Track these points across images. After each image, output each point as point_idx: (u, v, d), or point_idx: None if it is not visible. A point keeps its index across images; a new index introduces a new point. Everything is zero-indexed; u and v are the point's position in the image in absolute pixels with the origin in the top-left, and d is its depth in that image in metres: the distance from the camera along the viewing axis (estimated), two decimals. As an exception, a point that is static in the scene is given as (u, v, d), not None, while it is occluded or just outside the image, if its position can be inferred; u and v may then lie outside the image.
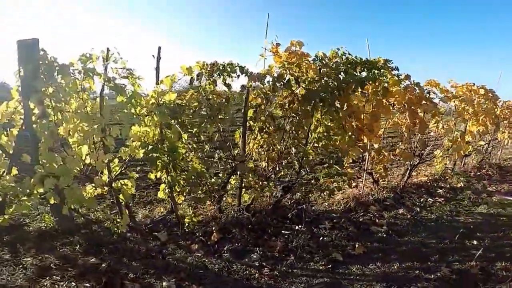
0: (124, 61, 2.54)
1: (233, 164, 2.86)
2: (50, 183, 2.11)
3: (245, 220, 3.19)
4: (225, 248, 2.74)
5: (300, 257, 2.69)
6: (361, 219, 3.50)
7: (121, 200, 2.57)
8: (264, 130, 2.71)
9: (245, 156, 2.86)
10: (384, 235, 3.19)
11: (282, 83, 2.52)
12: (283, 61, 2.59)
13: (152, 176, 2.88)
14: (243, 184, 3.22)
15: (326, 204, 3.82)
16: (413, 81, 3.30)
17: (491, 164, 5.79)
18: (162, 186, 3.02)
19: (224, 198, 3.39)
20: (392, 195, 4.13)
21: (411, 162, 4.21)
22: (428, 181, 4.80)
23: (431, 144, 4.77)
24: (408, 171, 4.31)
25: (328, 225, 3.28)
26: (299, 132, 2.73)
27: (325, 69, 2.61)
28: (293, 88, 2.53)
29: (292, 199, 3.60)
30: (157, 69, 2.57)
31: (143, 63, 2.97)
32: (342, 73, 2.65)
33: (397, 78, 3.11)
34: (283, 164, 3.00)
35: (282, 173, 3.23)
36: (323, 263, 2.62)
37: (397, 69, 3.00)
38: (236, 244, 2.82)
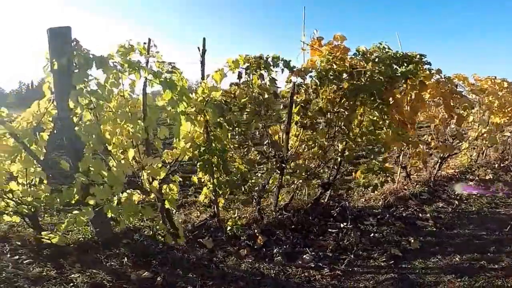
0: (160, 55, 2.41)
1: (277, 163, 2.75)
2: (105, 193, 1.96)
3: (286, 221, 3.07)
4: (274, 251, 2.61)
5: (357, 255, 2.57)
6: (404, 214, 3.40)
7: (166, 207, 2.40)
8: (309, 126, 2.60)
9: (287, 153, 2.75)
10: (434, 229, 3.10)
11: (329, 77, 2.43)
12: (326, 55, 2.52)
13: (195, 179, 2.74)
14: (282, 183, 3.10)
15: (363, 200, 3.72)
16: (444, 75, 3.30)
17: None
18: (205, 189, 2.87)
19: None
20: (426, 188, 4.06)
21: (441, 155, 4.16)
22: (456, 174, 4.76)
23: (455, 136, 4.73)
24: (438, 164, 4.26)
25: (373, 221, 3.17)
26: (345, 127, 2.64)
27: (370, 64, 2.55)
28: (341, 83, 2.45)
29: (330, 196, 3.49)
30: (202, 63, 2.45)
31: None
32: (387, 67, 2.60)
33: (429, 72, 3.09)
34: (326, 160, 2.89)
35: (322, 170, 3.12)
36: (384, 259, 2.50)
37: (429, 63, 3.00)
38: (284, 246, 2.69)
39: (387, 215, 3.29)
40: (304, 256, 2.56)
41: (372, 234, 2.92)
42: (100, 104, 2.14)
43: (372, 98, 2.51)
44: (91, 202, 1.97)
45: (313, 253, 2.60)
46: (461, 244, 2.81)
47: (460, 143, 4.21)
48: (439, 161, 4.24)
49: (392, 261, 2.47)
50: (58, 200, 2.23)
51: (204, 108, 2.28)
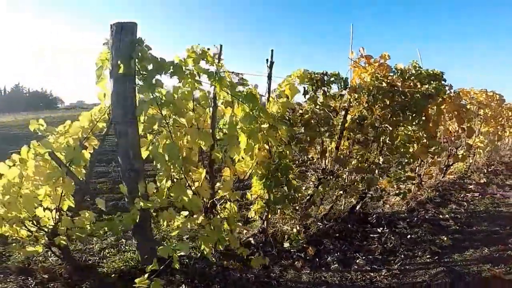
0: (222, 63, 2.26)
1: (327, 176, 3.07)
2: (189, 220, 1.98)
3: (329, 230, 3.34)
4: (328, 260, 2.81)
5: (404, 255, 2.91)
6: (426, 216, 3.83)
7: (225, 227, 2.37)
8: (363, 141, 2.93)
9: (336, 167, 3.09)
10: (456, 228, 3.54)
11: (381, 94, 2.79)
12: (374, 73, 2.90)
13: (249, 195, 2.94)
14: (325, 195, 3.41)
15: (388, 206, 4.11)
16: (454, 90, 3.87)
17: (498, 161, 6.62)
18: (256, 205, 3.06)
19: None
20: (437, 193, 4.56)
21: (446, 163, 4.71)
22: (455, 179, 5.36)
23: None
24: (444, 171, 4.81)
25: (404, 224, 3.55)
26: (390, 141, 3.00)
27: (409, 81, 2.98)
28: (387, 100, 2.84)
29: (363, 205, 3.84)
30: (270, 76, 2.53)
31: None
32: (426, 85, 3.04)
33: (443, 88, 3.62)
34: (368, 171, 3.25)
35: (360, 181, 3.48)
36: (428, 256, 2.86)
37: (444, 80, 3.51)
38: (336, 254, 2.92)
39: (415, 218, 3.70)
40: (357, 261, 2.83)
41: (408, 236, 3.28)
42: (175, 118, 2.00)
43: (414, 115, 2.92)
44: (174, 233, 2.01)
45: (364, 257, 2.89)
46: (483, 239, 3.26)
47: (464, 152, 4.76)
48: (445, 168, 4.79)
49: (436, 257, 2.84)
50: (105, 229, 2.06)
51: (277, 124, 2.33)
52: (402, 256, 2.87)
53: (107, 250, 2.68)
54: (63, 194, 2.03)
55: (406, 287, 2.40)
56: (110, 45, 1.94)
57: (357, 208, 3.82)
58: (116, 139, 2.06)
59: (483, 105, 4.75)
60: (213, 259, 2.44)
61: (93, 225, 2.05)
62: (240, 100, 2.10)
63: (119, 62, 1.86)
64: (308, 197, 3.29)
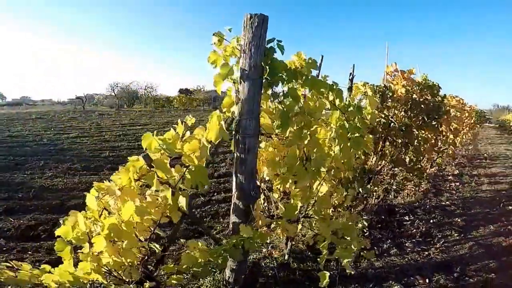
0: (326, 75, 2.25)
1: (369, 176, 3.62)
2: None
3: (372, 222, 3.92)
4: (384, 247, 3.31)
5: (438, 235, 3.61)
6: (433, 204, 4.67)
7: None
8: (401, 144, 3.55)
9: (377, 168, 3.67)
10: (461, 211, 4.43)
11: (413, 104, 3.46)
12: (404, 85, 3.54)
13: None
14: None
15: (399, 197, 4.86)
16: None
17: (461, 154, 8.07)
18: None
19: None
20: (429, 184, 5.51)
21: (435, 158, 5.71)
22: (436, 171, 6.46)
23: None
24: (431, 165, 5.80)
25: (421, 212, 4.31)
26: (418, 143, 3.69)
27: (423, 92, 3.71)
28: (418, 109, 3.52)
29: (384, 198, 4.51)
30: (350, 88, 2.99)
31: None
32: (433, 96, 3.81)
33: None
34: (397, 170, 3.91)
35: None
36: (456, 234, 3.63)
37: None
38: (388, 242, 3.46)
39: (427, 206, 4.50)
40: (407, 244, 3.45)
41: (431, 221, 4.03)
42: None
43: (431, 120, 3.65)
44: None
45: (409, 241, 3.51)
46: (485, 218, 4.18)
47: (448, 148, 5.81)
48: (432, 163, 5.79)
49: (462, 235, 3.61)
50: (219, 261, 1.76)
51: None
52: (438, 236, 3.56)
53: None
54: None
55: (458, 259, 3.06)
56: (246, 40, 1.74)
57: (382, 201, 4.48)
58: (235, 154, 1.92)
59: (455, 108, 5.90)
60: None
61: (210, 253, 1.72)
62: (350, 110, 2.20)
63: (258, 63, 1.74)
64: (355, 194, 3.82)
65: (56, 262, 1.61)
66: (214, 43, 1.91)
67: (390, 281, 2.65)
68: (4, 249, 3.21)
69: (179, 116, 20.66)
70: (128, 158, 1.54)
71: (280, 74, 1.77)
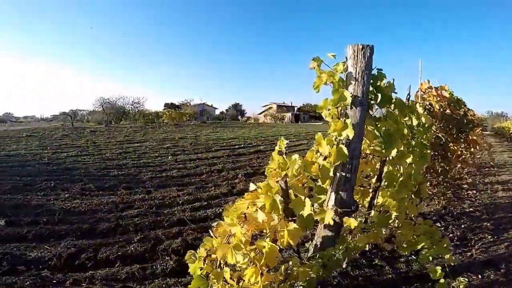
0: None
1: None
2: None
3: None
4: None
5: (473, 238, 3.99)
6: (458, 211, 5.09)
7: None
8: (434, 156, 4.00)
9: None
10: (485, 216, 4.84)
11: (446, 119, 3.93)
12: (436, 102, 4.01)
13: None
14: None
15: (425, 205, 5.26)
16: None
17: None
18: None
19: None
20: (449, 192, 5.95)
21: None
22: (450, 179, 6.92)
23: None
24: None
25: (449, 218, 4.71)
26: (450, 154, 4.15)
27: (450, 106, 4.20)
28: (450, 124, 3.99)
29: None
30: (408, 99, 3.44)
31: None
32: (458, 109, 4.30)
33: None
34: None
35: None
36: (489, 237, 4.01)
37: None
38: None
39: (454, 213, 4.91)
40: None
41: (462, 226, 4.43)
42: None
43: (464, 134, 4.12)
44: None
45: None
46: (510, 221, 4.59)
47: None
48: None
49: (496, 236, 4.01)
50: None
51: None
52: (475, 239, 3.95)
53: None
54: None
55: (499, 258, 3.44)
56: (358, 69, 2.01)
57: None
58: (338, 174, 2.11)
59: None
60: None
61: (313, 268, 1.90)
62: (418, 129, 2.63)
63: (367, 90, 2.03)
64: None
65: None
66: (314, 67, 2.13)
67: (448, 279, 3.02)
68: (54, 281, 3.05)
69: (172, 132, 21.23)
70: (255, 184, 1.80)
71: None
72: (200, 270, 1.60)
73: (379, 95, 2.10)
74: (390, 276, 3.03)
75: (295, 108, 65.31)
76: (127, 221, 4.55)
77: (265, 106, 64.69)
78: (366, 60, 2.01)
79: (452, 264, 2.51)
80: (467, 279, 2.57)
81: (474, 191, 6.32)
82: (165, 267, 3.29)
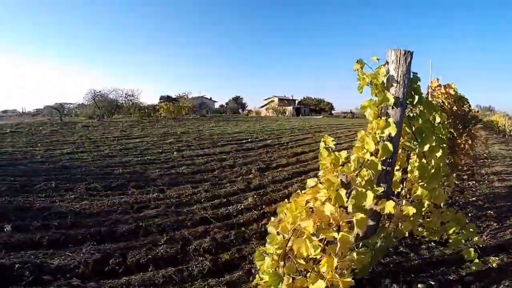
0: None
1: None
2: None
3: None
4: None
5: (481, 226, 4.33)
6: (463, 200, 5.46)
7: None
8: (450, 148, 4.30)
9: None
10: (488, 205, 5.23)
11: (454, 115, 4.24)
12: (444, 99, 4.31)
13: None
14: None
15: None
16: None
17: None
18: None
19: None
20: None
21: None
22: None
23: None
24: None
25: (456, 207, 5.06)
26: (457, 148, 4.47)
27: (456, 103, 4.51)
28: (457, 119, 4.29)
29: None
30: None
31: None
32: (462, 106, 4.62)
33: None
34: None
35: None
36: (494, 224, 4.39)
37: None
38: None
39: (460, 202, 5.28)
40: (456, 233, 4.15)
41: (469, 214, 4.79)
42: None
43: (467, 128, 4.44)
44: None
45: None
46: (510, 209, 4.97)
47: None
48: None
49: (500, 223, 4.37)
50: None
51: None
52: (483, 226, 4.29)
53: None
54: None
55: (507, 242, 3.79)
56: (400, 72, 2.25)
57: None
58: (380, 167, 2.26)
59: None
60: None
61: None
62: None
63: (407, 91, 2.30)
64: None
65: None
66: (357, 69, 2.32)
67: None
68: (88, 291, 2.88)
69: (172, 126, 20.55)
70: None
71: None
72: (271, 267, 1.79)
73: (416, 96, 2.34)
74: (416, 262, 3.31)
75: (296, 102, 65.34)
76: (147, 222, 4.41)
77: (267, 99, 64.18)
78: (407, 64, 2.26)
79: (480, 245, 2.79)
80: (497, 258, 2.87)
81: (474, 182, 6.73)
82: (201, 268, 3.28)
